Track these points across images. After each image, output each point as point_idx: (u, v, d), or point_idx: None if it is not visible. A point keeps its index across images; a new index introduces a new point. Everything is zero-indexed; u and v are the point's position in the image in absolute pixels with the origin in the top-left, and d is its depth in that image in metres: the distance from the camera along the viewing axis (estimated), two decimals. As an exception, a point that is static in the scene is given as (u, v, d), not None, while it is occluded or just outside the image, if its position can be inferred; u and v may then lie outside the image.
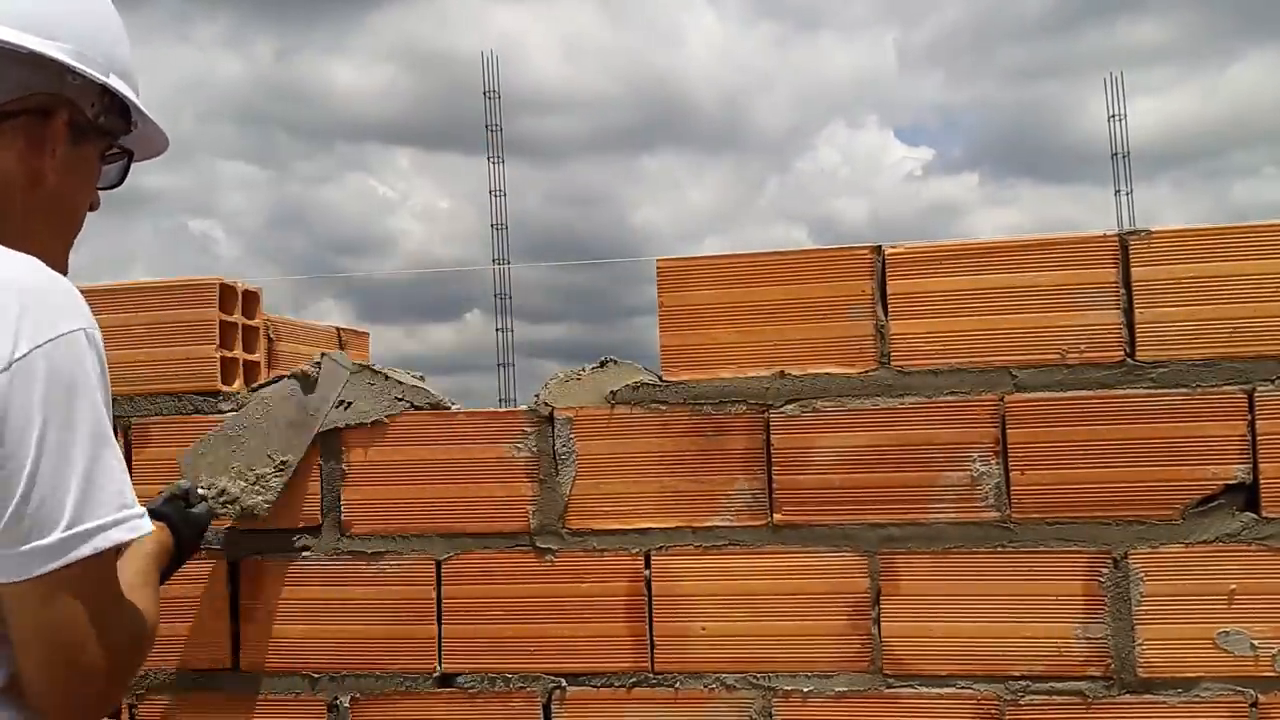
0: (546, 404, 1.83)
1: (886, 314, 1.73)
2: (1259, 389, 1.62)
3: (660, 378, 1.79)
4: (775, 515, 1.74)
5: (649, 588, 1.78)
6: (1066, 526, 1.66)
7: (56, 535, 1.08)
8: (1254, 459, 1.61)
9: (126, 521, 1.13)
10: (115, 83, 1.29)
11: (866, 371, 1.73)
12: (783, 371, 1.75)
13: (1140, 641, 1.63)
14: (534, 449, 1.82)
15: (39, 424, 1.07)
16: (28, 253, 1.16)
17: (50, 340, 1.09)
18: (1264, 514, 1.61)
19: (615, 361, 1.82)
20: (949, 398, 1.70)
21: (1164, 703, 1.62)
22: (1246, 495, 1.62)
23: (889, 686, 1.69)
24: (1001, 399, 1.68)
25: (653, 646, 1.77)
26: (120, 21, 1.35)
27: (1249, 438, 1.61)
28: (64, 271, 1.25)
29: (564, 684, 1.79)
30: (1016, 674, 1.66)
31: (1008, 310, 1.69)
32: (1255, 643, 1.60)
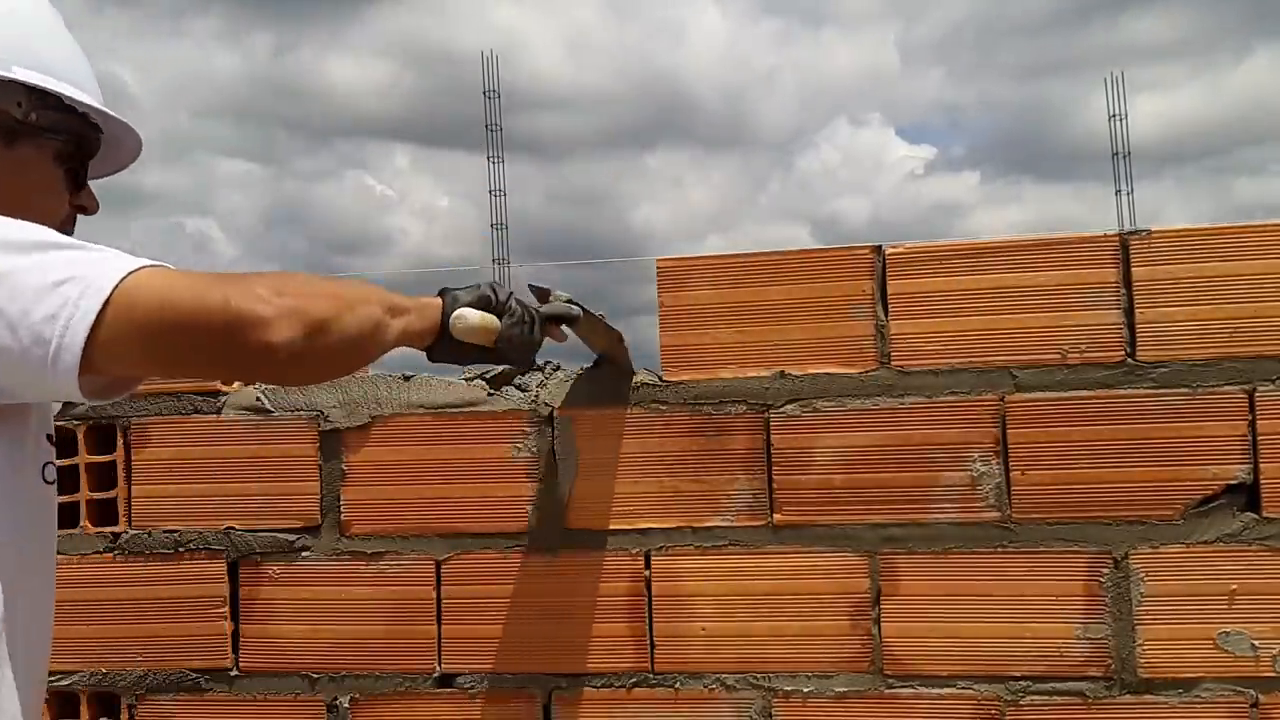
0: (546, 404, 1.82)
1: (887, 314, 1.73)
2: (1259, 389, 1.61)
3: (660, 378, 1.79)
4: (775, 515, 1.73)
5: (649, 588, 1.77)
6: (1067, 527, 1.66)
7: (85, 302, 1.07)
8: (1254, 459, 1.61)
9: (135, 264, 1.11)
10: (22, 74, 1.24)
11: (867, 371, 1.73)
12: (783, 371, 1.75)
13: (1141, 642, 1.62)
14: (534, 449, 1.82)
15: None
16: None
17: None
18: (1265, 514, 1.60)
19: (611, 362, 1.82)
20: (949, 398, 1.70)
21: (1164, 703, 1.62)
22: (1247, 495, 1.61)
23: (889, 687, 1.69)
24: (1002, 399, 1.68)
25: (653, 647, 1.77)
26: (41, 11, 1.31)
27: (1249, 438, 1.61)
28: None
29: (564, 684, 1.79)
30: (1017, 674, 1.66)
31: (1008, 310, 1.69)
32: (1256, 643, 1.60)
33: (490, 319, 1.47)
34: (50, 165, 1.30)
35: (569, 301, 1.59)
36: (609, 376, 1.81)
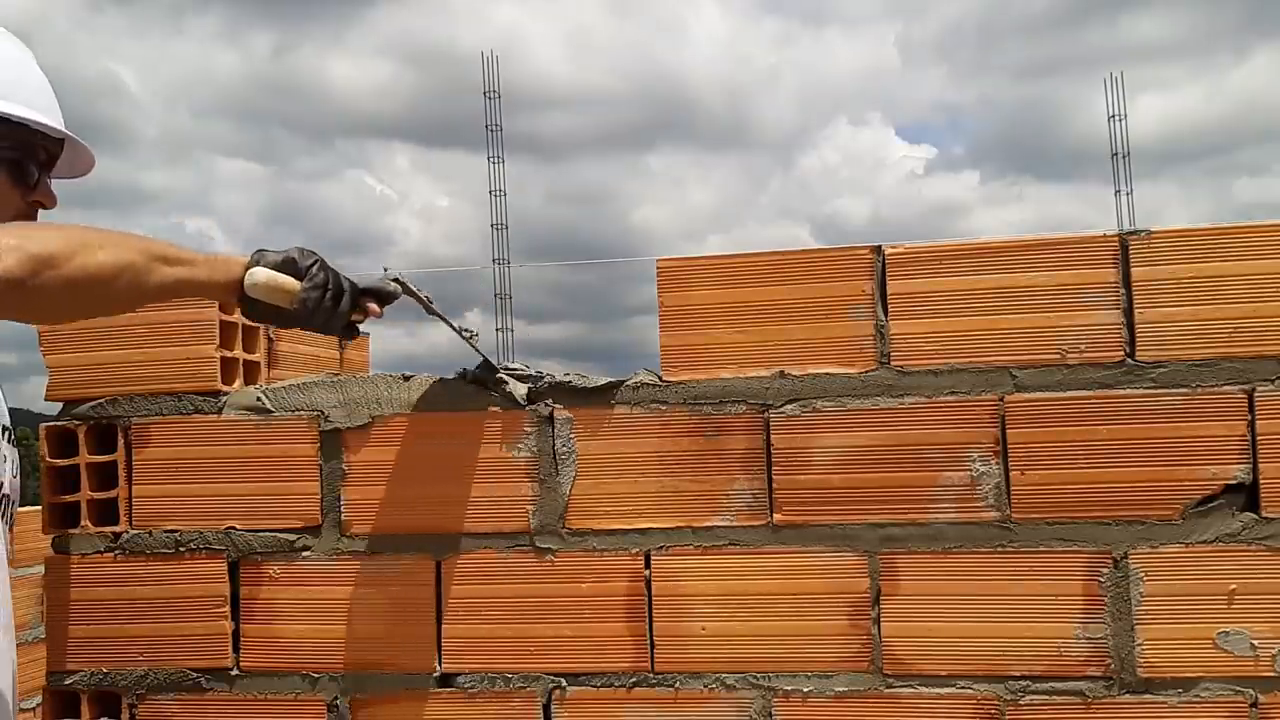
0: (546, 404, 1.83)
1: (886, 314, 1.73)
2: (1259, 389, 1.62)
3: (660, 378, 1.79)
4: (775, 515, 1.74)
5: (649, 588, 1.77)
6: (1066, 526, 1.66)
7: None
8: (1254, 459, 1.61)
9: None
10: None
11: (866, 371, 1.73)
12: (783, 371, 1.75)
13: (1140, 641, 1.63)
14: (534, 449, 1.82)
15: None
16: None
17: None
18: (1264, 514, 1.61)
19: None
20: (949, 398, 1.70)
21: (1164, 703, 1.62)
22: (1246, 495, 1.62)
23: (889, 686, 1.69)
24: (1001, 399, 1.68)
25: (653, 646, 1.77)
26: (6, 49, 1.57)
27: (1249, 438, 1.61)
28: None
29: (564, 684, 1.79)
30: (1016, 674, 1.66)
31: (1008, 310, 1.69)
32: (1255, 643, 1.60)
33: (286, 280, 1.56)
34: (2, 171, 1.56)
35: (394, 280, 1.68)
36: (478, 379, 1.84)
